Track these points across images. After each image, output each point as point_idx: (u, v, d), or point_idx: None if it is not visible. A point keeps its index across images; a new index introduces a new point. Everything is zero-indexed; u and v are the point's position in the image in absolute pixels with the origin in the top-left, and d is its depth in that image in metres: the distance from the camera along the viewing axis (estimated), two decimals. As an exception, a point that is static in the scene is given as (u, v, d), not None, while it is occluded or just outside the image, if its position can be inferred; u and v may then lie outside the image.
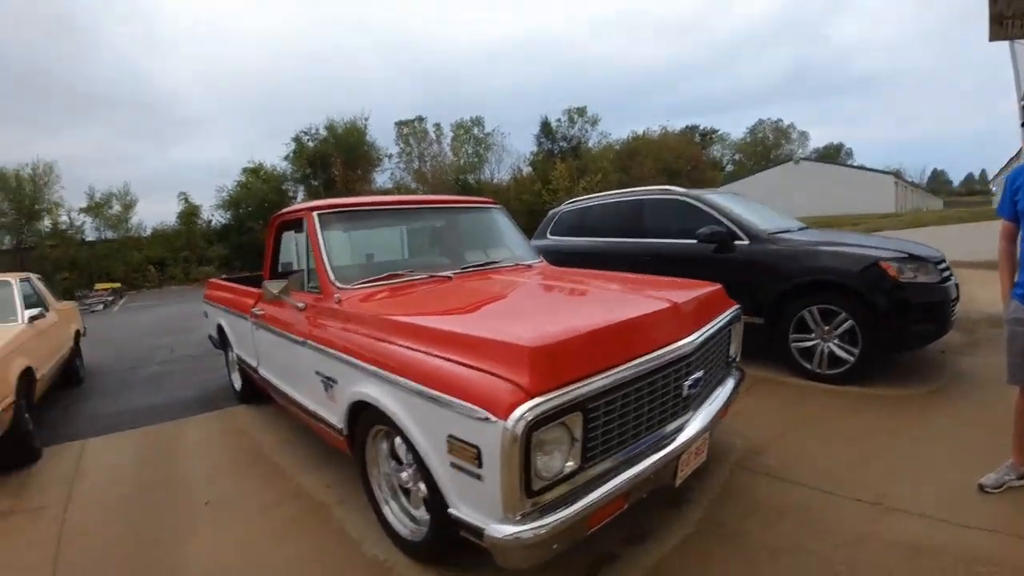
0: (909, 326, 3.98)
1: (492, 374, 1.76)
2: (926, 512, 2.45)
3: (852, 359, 4.11)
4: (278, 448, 3.81)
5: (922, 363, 4.54)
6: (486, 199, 4.22)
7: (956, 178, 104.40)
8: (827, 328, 4.21)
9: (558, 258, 4.39)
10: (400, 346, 2.18)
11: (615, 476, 1.94)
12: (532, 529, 1.69)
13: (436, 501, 2.03)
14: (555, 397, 1.70)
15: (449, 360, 1.93)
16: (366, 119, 35.29)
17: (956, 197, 67.55)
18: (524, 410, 1.62)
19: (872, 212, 27.97)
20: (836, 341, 4.18)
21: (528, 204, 31.42)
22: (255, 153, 66.13)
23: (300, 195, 33.68)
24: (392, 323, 2.34)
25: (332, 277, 2.91)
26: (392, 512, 2.52)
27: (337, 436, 2.71)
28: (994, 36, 8.35)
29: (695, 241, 4.89)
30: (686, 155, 45.32)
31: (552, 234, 6.80)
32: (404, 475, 2.40)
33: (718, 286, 2.89)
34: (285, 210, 3.59)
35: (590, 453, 1.89)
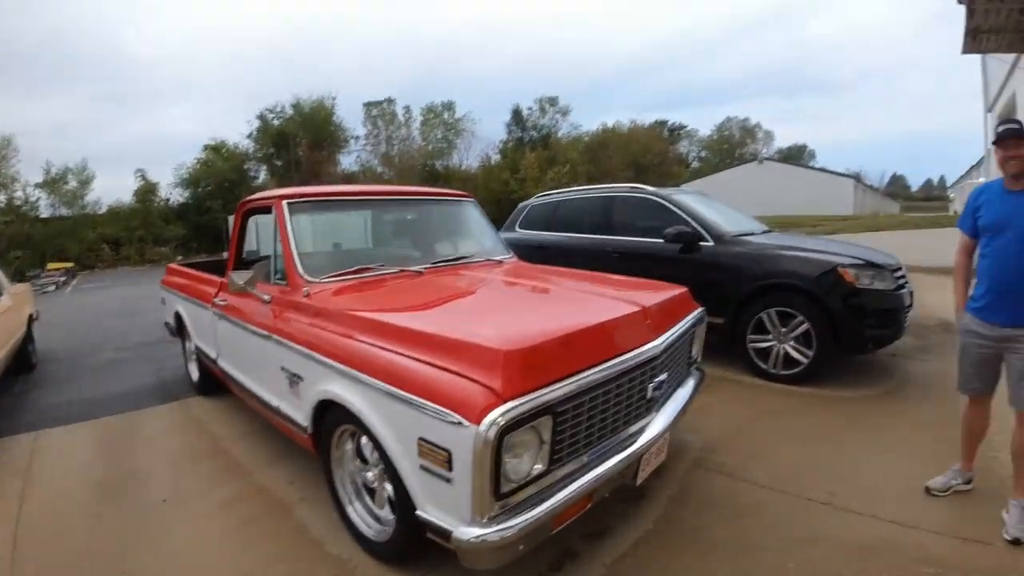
0: (864, 331, 4.11)
1: (464, 376, 1.75)
2: (874, 513, 2.54)
3: (806, 361, 4.24)
4: (237, 442, 3.72)
5: (874, 366, 4.69)
6: (459, 192, 4.19)
7: (915, 183, 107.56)
8: (784, 330, 4.32)
9: (527, 252, 4.38)
10: (370, 344, 2.14)
11: (580, 477, 1.96)
12: (499, 531, 1.69)
13: (403, 502, 2.02)
14: (527, 401, 1.70)
15: (420, 361, 1.91)
16: (334, 98, 34.86)
17: (913, 202, 68.87)
18: (496, 415, 1.62)
19: (832, 214, 28.81)
20: (792, 343, 4.30)
21: (496, 193, 31.41)
22: (217, 130, 64.04)
23: (262, 175, 32.85)
24: (361, 320, 2.30)
25: (301, 270, 2.84)
26: (356, 512, 2.49)
27: (301, 434, 2.66)
28: (968, 49, 8.52)
29: (662, 240, 4.95)
30: (654, 150, 46.25)
31: (521, 227, 6.78)
32: (370, 475, 2.38)
33: (684, 289, 2.94)
34: (253, 196, 3.48)
35: (557, 455, 1.90)
